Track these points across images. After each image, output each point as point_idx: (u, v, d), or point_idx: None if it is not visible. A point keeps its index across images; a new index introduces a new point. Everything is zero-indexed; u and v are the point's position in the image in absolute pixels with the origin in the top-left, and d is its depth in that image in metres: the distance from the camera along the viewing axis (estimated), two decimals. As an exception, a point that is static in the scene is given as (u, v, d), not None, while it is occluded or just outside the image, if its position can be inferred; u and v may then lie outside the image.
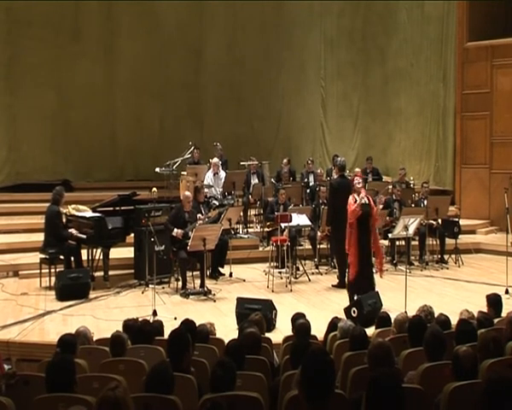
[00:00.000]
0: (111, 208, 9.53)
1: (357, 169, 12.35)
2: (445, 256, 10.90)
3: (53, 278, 8.77)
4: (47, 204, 9.30)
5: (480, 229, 12.85)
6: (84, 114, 13.96)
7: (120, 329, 5.29)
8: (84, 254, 9.22)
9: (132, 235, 9.52)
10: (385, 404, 2.79)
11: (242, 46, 15.17)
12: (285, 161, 13.23)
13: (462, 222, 11.82)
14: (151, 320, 6.36)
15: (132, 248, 9.56)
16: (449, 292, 9.02)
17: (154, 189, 8.83)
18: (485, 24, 13.22)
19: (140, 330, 5.08)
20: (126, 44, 14.38)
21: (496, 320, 5.54)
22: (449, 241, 11.03)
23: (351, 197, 8.03)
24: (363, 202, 7.96)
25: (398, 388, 2.87)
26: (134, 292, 8.90)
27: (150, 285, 8.57)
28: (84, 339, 5.02)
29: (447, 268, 10.61)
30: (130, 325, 5.35)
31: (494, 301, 6.02)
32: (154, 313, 7.42)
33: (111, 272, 9.21)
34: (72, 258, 9.02)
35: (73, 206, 9.61)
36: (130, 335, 5.00)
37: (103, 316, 7.56)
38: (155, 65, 14.56)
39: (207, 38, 15.05)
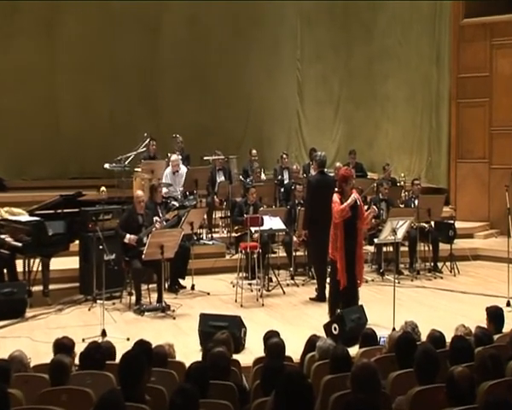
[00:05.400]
0: (52, 211, 9.44)
1: (339, 164, 12.44)
2: (439, 264, 11.05)
3: (-18, 294, 8.64)
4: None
5: (478, 232, 13.05)
6: (20, 100, 13.78)
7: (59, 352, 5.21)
8: (19, 265, 9.09)
9: (77, 242, 9.45)
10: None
11: (206, 20, 15.14)
12: (254, 151, 13.23)
13: (458, 225, 11.97)
14: (99, 341, 6.30)
15: (77, 258, 9.49)
16: (443, 305, 9.15)
17: (103, 188, 8.79)
18: (484, -2, 13.45)
19: (87, 355, 5.04)
20: (70, 20, 14.24)
21: (496, 337, 5.64)
22: (443, 246, 11.17)
23: (336, 196, 8.07)
24: (352, 203, 7.97)
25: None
26: (79, 309, 8.82)
27: (98, 301, 8.50)
28: (19, 365, 4.96)
29: (441, 277, 10.75)
30: (62, 344, 5.28)
31: (495, 315, 6.11)
32: (103, 334, 7.37)
33: (52, 286, 9.12)
34: (5, 270, 8.91)
35: (6, 208, 9.51)
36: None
37: (43, 338, 7.44)
38: (104, 44, 14.45)
39: (165, 12, 14.98)
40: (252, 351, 6.88)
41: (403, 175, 12.71)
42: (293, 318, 8.55)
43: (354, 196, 8.06)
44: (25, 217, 9.26)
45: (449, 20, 13.87)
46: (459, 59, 13.76)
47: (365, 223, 8.39)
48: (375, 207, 8.66)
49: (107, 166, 11.34)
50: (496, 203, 12.75)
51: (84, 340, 6.61)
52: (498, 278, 10.07)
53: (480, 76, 13.48)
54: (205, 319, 7.40)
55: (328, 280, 8.80)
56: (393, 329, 6.91)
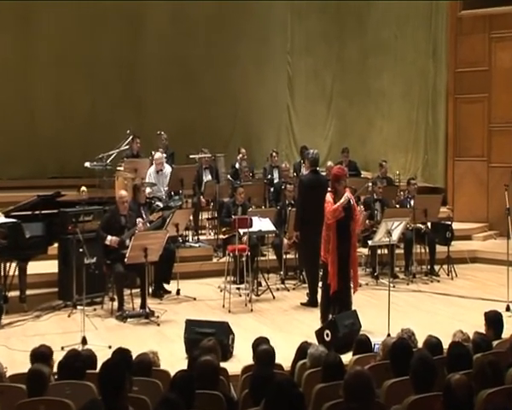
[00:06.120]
0: (29, 212, 9.39)
1: (330, 163, 12.48)
2: (436, 267, 11.08)
3: (-45, 300, 8.61)
4: None
5: (476, 234, 13.12)
6: (-5, 96, 13.73)
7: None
8: (-6, 269, 9.06)
9: (56, 245, 9.42)
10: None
11: (191, 13, 15.11)
12: (243, 150, 13.24)
13: (456, 226, 12.04)
14: (79, 349, 6.29)
15: (56, 262, 9.47)
16: (440, 309, 9.19)
17: (84, 188, 8.76)
18: (482, -11, 13.52)
19: (65, 364, 5.03)
20: (47, 12, 14.13)
21: (495, 343, 5.66)
22: (440, 248, 11.21)
23: (329, 195, 8.08)
24: (345, 203, 7.97)
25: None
26: (58, 315, 8.80)
27: (79, 307, 8.48)
28: (-6, 375, 4.94)
29: (438, 281, 10.80)
30: (40, 352, 5.26)
31: (494, 320, 6.14)
32: (84, 341, 7.34)
33: (29, 292, 9.08)
34: (-20, 274, 8.87)
35: (-19, 210, 9.45)
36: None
37: (19, 346, 7.43)
38: (84, 37, 14.37)
39: (148, 4, 14.94)
40: (240, 359, 6.87)
41: (398, 173, 12.74)
42: (283, 324, 8.55)
43: (347, 195, 8.06)
44: (0, 218, 9.21)
45: (446, 12, 13.92)
46: (457, 53, 13.81)
47: (358, 224, 8.40)
48: (361, 207, 8.64)
49: (87, 164, 11.31)
50: (495, 203, 12.79)
51: (63, 348, 6.59)
52: (497, 282, 10.12)
53: (479, 70, 13.53)
54: (191, 325, 7.39)
55: (320, 284, 8.81)
56: (388, 335, 6.93)
